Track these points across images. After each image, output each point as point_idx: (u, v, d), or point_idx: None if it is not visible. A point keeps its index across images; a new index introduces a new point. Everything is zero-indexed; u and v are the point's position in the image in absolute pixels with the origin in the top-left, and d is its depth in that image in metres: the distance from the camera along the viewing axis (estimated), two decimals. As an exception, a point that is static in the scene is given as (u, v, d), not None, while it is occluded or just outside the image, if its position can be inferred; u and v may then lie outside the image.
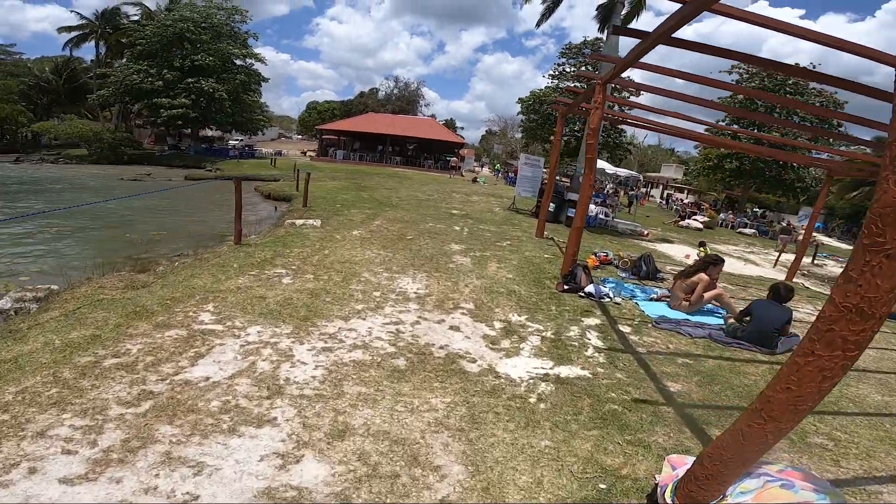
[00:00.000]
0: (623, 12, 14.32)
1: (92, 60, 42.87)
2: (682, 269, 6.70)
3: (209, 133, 43.71)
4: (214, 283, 4.99)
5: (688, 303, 6.15)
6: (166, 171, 27.07)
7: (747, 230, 25.01)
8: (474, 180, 28.62)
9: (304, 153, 44.17)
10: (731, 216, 28.78)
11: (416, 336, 4.23)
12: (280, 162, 31.79)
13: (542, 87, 32.56)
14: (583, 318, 5.29)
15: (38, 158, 31.54)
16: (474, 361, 3.87)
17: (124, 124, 40.45)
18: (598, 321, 5.29)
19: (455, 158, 36.00)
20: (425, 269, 6.32)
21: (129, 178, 21.71)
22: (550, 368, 3.92)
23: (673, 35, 3.85)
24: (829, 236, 32.10)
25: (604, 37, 14.91)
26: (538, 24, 16.17)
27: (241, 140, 50.49)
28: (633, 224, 15.73)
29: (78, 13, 42.40)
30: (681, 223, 22.17)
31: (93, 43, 40.53)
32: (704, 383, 4.00)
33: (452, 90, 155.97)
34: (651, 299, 6.67)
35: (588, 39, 31.06)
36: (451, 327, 4.54)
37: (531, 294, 5.88)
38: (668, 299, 6.54)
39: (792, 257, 10.51)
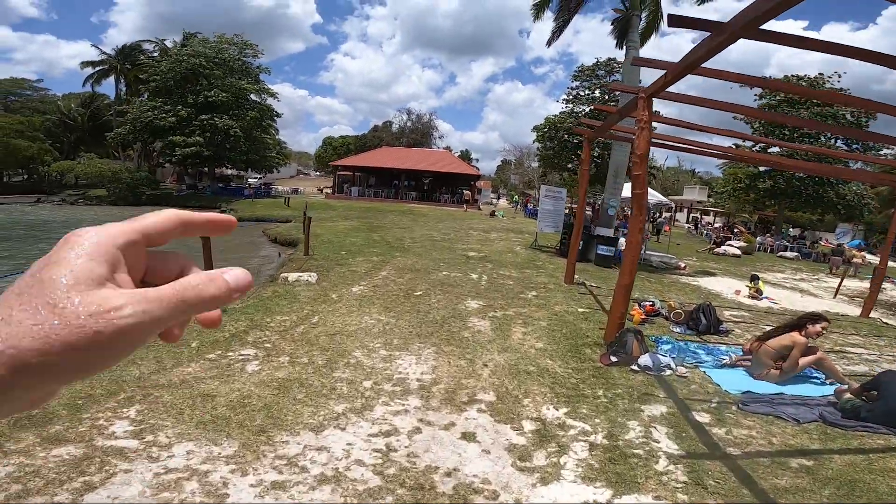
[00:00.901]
0: (640, 26, 13.32)
1: (113, 97, 43.49)
2: (770, 329, 5.29)
3: (229, 172, 43.54)
4: (155, 371, 3.87)
5: (778, 371, 4.75)
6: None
7: (788, 253, 23.14)
8: (492, 214, 27.57)
9: (321, 190, 44.10)
10: (768, 239, 26.89)
11: (413, 455, 3.01)
12: (295, 201, 31.39)
13: (557, 114, 31.60)
14: (643, 406, 3.98)
15: (59, 200, 31.66)
16: (496, 497, 2.61)
17: (147, 163, 40.68)
18: (663, 408, 3.97)
19: (468, 192, 35.22)
20: (434, 341, 5.09)
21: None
22: (608, 501, 2.63)
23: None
24: (872, 253, 29.65)
25: (622, 53, 13.90)
26: (549, 43, 15.34)
27: (260, 178, 50.76)
28: (666, 255, 14.28)
29: (99, 48, 42.75)
30: (716, 250, 20.55)
31: (114, 79, 41.04)
32: (842, 497, 2.65)
33: (465, 121, 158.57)
34: (723, 365, 5.28)
35: (601, 60, 30.08)
36: (464, 435, 3.31)
37: (569, 372, 4.58)
38: (745, 364, 5.15)
39: (852, 283, 8.89)
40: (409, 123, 58.07)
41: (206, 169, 35.88)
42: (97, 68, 41.27)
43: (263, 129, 35.56)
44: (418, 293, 7.14)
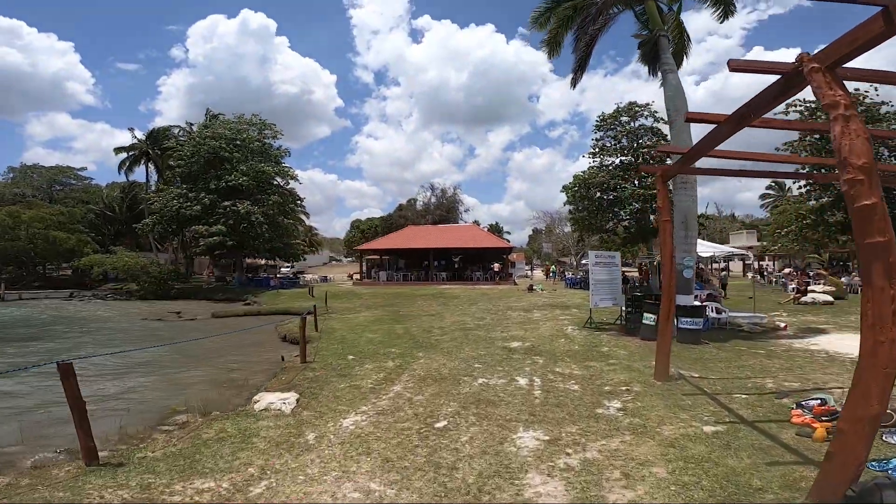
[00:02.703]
0: (671, 49, 11.61)
1: (143, 184, 42.04)
2: None
3: (262, 262, 41.84)
4: None
5: None
6: (204, 306, 25.58)
7: None
8: (530, 288, 25.08)
9: (351, 276, 43.04)
10: (854, 278, 23.05)
11: None
12: (321, 290, 30.04)
13: (584, 170, 29.23)
14: None
15: (91, 294, 30.81)
16: None
17: (183, 254, 39.30)
18: None
19: (497, 265, 32.95)
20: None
21: (153, 318, 20.07)
22: None
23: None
24: None
25: (657, 77, 12.07)
26: (573, 83, 13.74)
27: (292, 267, 50.01)
28: (753, 315, 11.31)
29: (133, 134, 41.92)
30: (802, 300, 17.21)
31: (144, 165, 40.10)
32: None
33: (490, 193, 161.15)
34: None
35: (622, 106, 27.92)
36: None
37: None
38: None
39: None
40: (433, 199, 57.91)
41: (233, 259, 34.73)
42: (129, 153, 40.89)
43: (286, 215, 34.23)
44: (441, 423, 4.72)
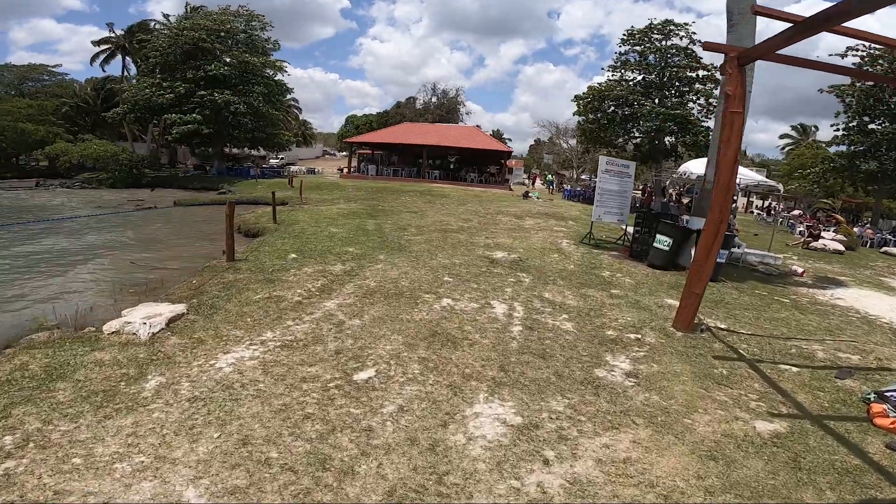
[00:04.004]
0: None
1: (119, 77, 40.91)
2: None
3: (252, 152, 40.94)
4: None
5: None
6: (173, 194, 23.85)
7: (893, 249, 18.08)
8: (526, 195, 23.14)
9: (341, 170, 40.80)
10: (867, 231, 21.65)
11: None
12: (306, 181, 28.07)
13: (602, 81, 26.91)
14: None
15: (58, 183, 29.73)
16: None
17: (161, 144, 38.44)
18: None
19: (494, 168, 30.86)
20: None
21: (110, 206, 18.34)
22: None
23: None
24: None
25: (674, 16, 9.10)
26: None
27: (282, 159, 47.75)
28: (767, 255, 9.79)
29: (110, 27, 40.43)
30: (813, 244, 15.74)
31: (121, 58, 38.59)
32: None
33: (496, 103, 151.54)
34: None
35: (655, 23, 25.23)
36: None
37: None
38: None
39: None
40: (433, 100, 53.31)
41: (214, 150, 33.08)
42: (102, 47, 39.01)
43: (273, 106, 32.35)
44: (365, 374, 3.18)
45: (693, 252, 7.62)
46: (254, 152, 41.25)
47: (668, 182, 29.48)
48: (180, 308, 4.22)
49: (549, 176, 37.90)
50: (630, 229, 9.45)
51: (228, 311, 4.33)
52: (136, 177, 28.86)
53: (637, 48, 25.91)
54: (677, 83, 25.44)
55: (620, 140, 27.74)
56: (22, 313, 5.43)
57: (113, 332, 3.64)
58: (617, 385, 3.34)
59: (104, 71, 41.48)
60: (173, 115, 27.83)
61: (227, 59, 29.28)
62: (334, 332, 3.95)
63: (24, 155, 34.08)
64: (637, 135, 26.94)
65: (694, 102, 25.08)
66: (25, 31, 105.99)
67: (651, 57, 25.52)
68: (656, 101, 24.94)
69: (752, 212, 36.85)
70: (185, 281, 5.73)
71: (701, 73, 24.69)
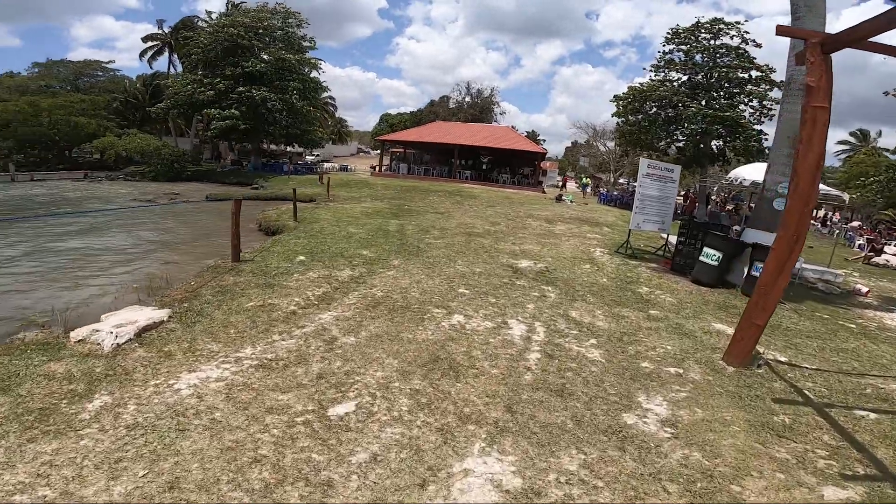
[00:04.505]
0: None
1: (166, 73, 42.39)
2: None
3: (288, 149, 41.75)
4: None
5: None
6: (209, 188, 24.34)
7: None
8: (559, 198, 22.22)
9: (373, 167, 40.96)
10: None
11: None
12: (337, 178, 28.19)
13: (644, 82, 25.62)
14: None
15: (104, 176, 31.11)
16: None
17: (203, 139, 39.56)
18: None
19: (527, 169, 30.02)
20: None
21: (145, 198, 18.81)
22: None
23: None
24: None
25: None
26: None
27: (318, 156, 48.59)
28: (826, 271, 8.65)
29: (160, 24, 42.05)
30: (875, 259, 14.23)
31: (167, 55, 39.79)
32: None
33: (532, 103, 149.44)
34: None
35: (702, 22, 23.85)
36: None
37: None
38: None
39: None
40: (467, 99, 52.57)
41: (248, 145, 33.84)
42: (149, 44, 40.40)
43: (308, 102, 32.71)
44: (344, 408, 2.67)
45: (745, 269, 6.76)
46: (289, 149, 41.97)
47: (714, 188, 27.78)
48: (162, 314, 3.87)
49: (584, 179, 36.57)
50: (673, 239, 8.60)
51: (213, 320, 3.95)
52: (177, 171, 29.79)
53: (682, 47, 24.51)
54: (727, 84, 23.93)
55: (662, 143, 26.35)
56: (26, 307, 5.29)
57: (79, 341, 3.30)
58: (649, 437, 2.70)
59: (152, 67, 43.10)
60: (213, 110, 28.50)
61: (265, 56, 29.77)
62: (322, 350, 3.48)
63: (76, 148, 35.59)
64: (681, 138, 25.51)
65: (746, 104, 23.48)
66: (86, 27, 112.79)
67: (698, 56, 24.10)
68: (703, 102, 23.50)
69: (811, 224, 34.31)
70: (184, 282, 5.44)
71: (754, 73, 23.08)
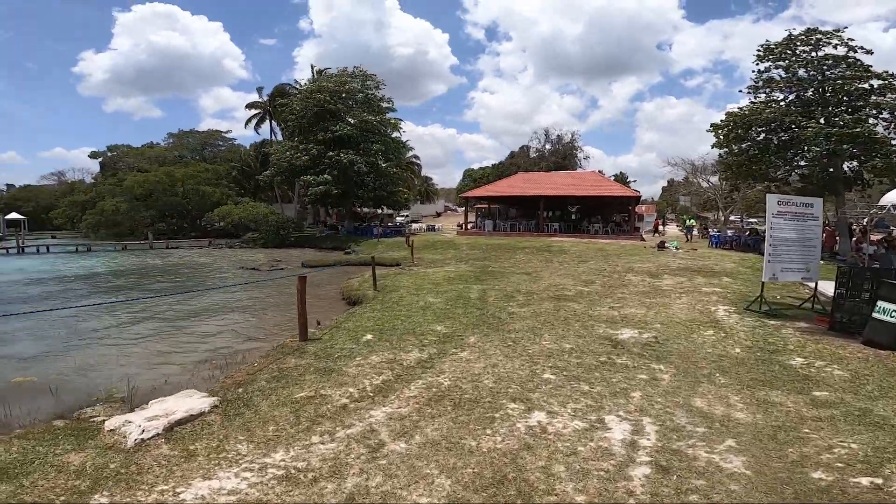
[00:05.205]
0: None
1: (270, 140, 44.62)
2: None
3: (378, 210, 42.69)
4: None
5: None
6: (308, 254, 25.88)
7: None
8: (661, 246, 20.01)
9: (460, 226, 41.38)
10: None
11: None
12: (423, 239, 28.65)
13: (743, 106, 22.87)
14: None
15: (224, 243, 33.26)
16: None
17: (302, 204, 41.08)
18: None
19: (621, 216, 27.87)
20: None
21: (248, 266, 20.40)
22: None
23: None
24: None
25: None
26: None
27: (406, 217, 50.01)
28: None
29: (259, 92, 44.68)
30: None
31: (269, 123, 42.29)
32: None
33: (616, 145, 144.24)
34: None
35: (795, 34, 21.16)
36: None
37: None
38: None
39: None
40: (547, 146, 51.52)
41: (342, 209, 35.32)
42: (252, 112, 44.11)
43: (392, 163, 33.52)
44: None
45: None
46: (380, 211, 42.68)
47: (854, 218, 23.31)
48: (205, 404, 3.52)
49: (689, 220, 33.08)
50: (825, 288, 6.76)
51: (257, 412, 3.49)
52: (282, 237, 31.34)
53: (780, 63, 21.75)
54: (845, 98, 20.55)
55: (780, 172, 22.98)
56: (102, 379, 5.43)
57: (110, 430, 3.14)
58: None
59: (258, 133, 46.59)
60: (308, 176, 29.80)
61: (350, 120, 30.97)
62: (363, 460, 2.78)
63: (205, 215, 38.51)
64: (801, 163, 22.12)
65: (875, 118, 19.79)
66: (211, 98, 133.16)
67: (801, 71, 21.13)
68: (821, 120, 20.28)
69: None
70: (250, 363, 5.21)
71: (875, 82, 19.59)
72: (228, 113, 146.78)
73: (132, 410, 3.60)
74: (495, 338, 5.66)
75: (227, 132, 54.53)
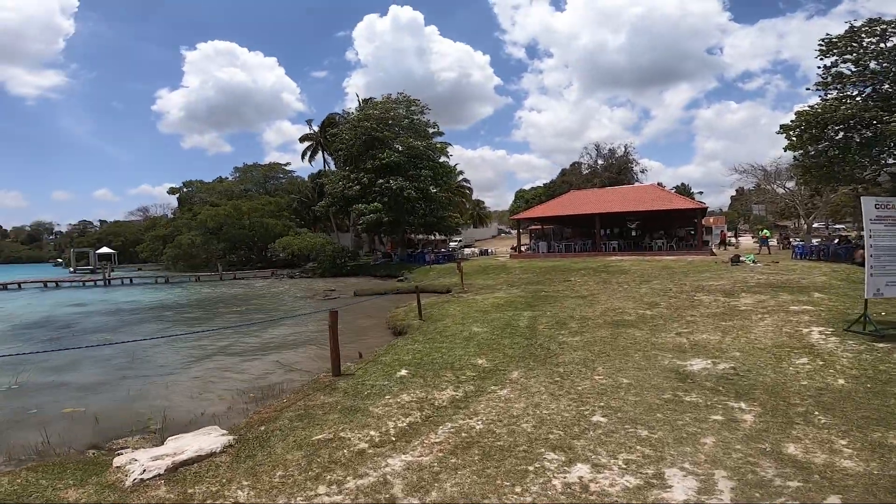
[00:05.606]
0: None
1: (323, 171, 45.51)
2: None
3: (432, 237, 42.76)
4: None
5: None
6: (362, 283, 26.24)
7: None
8: (735, 260, 18.14)
9: (513, 248, 40.51)
10: None
11: None
12: (475, 264, 28.14)
13: (814, 104, 20.95)
14: None
15: (286, 274, 34.30)
16: None
17: (357, 233, 41.74)
18: None
19: (686, 230, 25.77)
20: None
21: (307, 295, 20.98)
22: None
23: None
24: None
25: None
26: None
27: (460, 241, 49.57)
28: None
29: (310, 124, 46.52)
30: None
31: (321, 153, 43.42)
32: None
33: (674, 155, 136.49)
34: None
35: (857, 26, 19.38)
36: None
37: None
38: None
39: None
40: (600, 161, 49.51)
41: (395, 236, 35.51)
42: (305, 144, 45.81)
43: (441, 188, 33.43)
44: None
45: None
46: (432, 237, 42.48)
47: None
48: (218, 444, 3.31)
49: (763, 231, 30.02)
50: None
51: (270, 455, 3.22)
52: (338, 266, 32.00)
53: (848, 57, 19.92)
54: None
55: (868, 172, 20.66)
56: (146, 408, 5.49)
57: (117, 467, 3.10)
58: None
59: (311, 165, 48.28)
60: (360, 205, 30.20)
61: (398, 147, 31.15)
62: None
63: (269, 247, 40.37)
64: (891, 160, 19.87)
65: None
66: (274, 132, 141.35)
67: (873, 63, 19.21)
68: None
69: None
70: (279, 399, 5.02)
71: None
72: (290, 146, 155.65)
73: (162, 443, 3.51)
74: (541, 372, 5.07)
75: (286, 164, 57.12)
